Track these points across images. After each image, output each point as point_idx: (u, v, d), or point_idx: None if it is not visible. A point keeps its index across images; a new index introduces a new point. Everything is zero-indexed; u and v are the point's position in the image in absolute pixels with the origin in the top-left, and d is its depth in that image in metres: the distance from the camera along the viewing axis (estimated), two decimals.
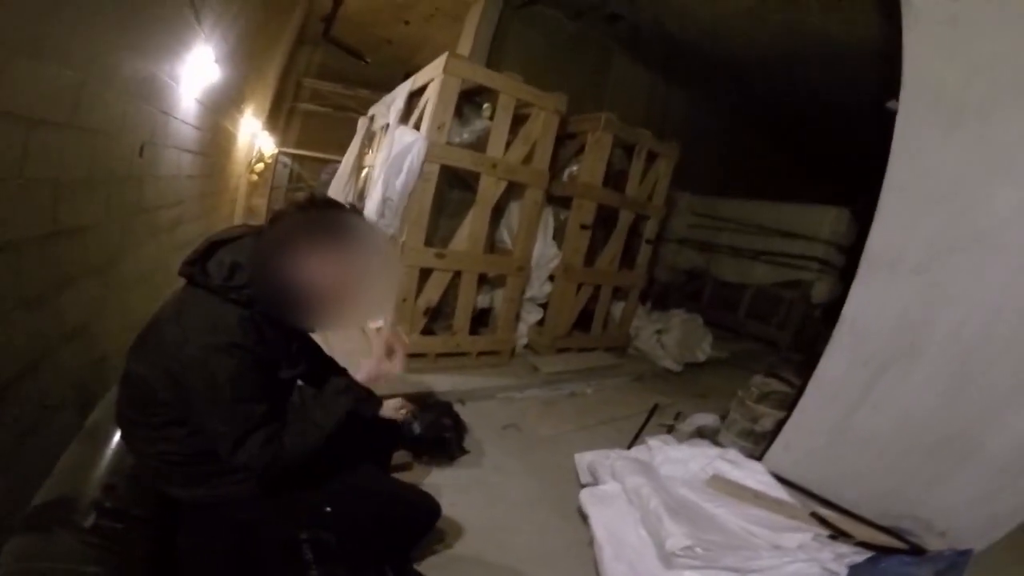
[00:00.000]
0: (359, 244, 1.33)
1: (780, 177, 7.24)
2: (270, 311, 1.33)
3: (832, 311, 5.91)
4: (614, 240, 4.89)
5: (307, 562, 1.39)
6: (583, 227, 4.45)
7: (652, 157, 4.90)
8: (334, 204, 1.43)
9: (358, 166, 5.13)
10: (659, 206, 5.15)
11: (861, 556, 2.01)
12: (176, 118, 3.05)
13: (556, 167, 4.19)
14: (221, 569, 1.39)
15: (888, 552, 2.08)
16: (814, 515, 2.34)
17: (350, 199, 4.72)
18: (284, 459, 1.32)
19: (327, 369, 1.88)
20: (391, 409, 2.02)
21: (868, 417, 2.56)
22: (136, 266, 2.52)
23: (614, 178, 4.65)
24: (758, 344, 6.55)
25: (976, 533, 2.19)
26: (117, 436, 1.48)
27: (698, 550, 1.92)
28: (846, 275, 5.76)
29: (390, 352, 1.68)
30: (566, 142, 4.59)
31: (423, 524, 1.88)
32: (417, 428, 2.09)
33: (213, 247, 1.36)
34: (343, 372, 1.88)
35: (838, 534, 2.18)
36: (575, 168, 4.58)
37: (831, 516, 2.34)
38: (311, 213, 1.35)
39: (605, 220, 4.72)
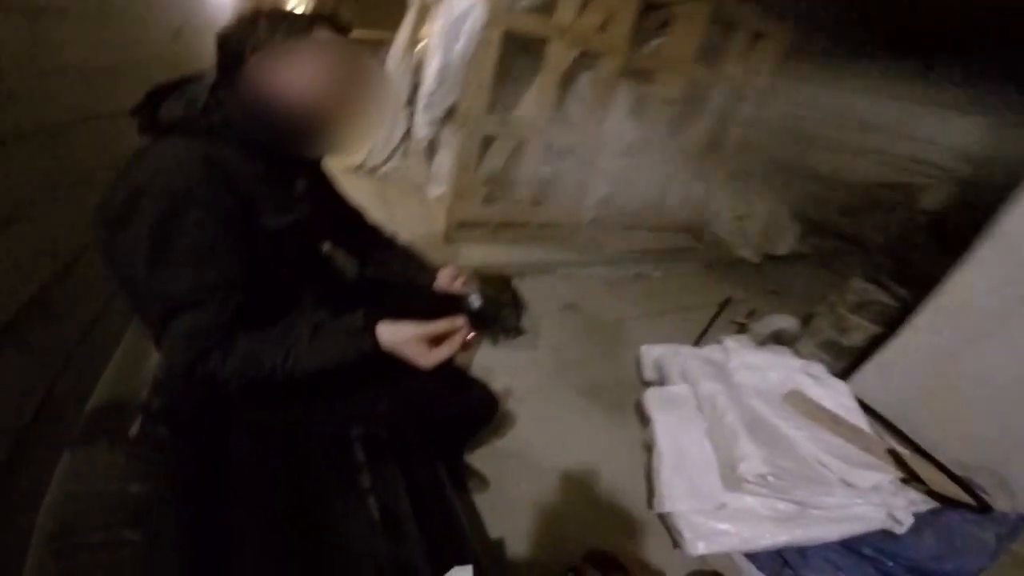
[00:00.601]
0: (320, 41, 1.05)
1: (898, 77, 6.27)
2: (250, 134, 1.04)
3: (941, 222, 5.39)
4: (702, 119, 4.40)
5: (358, 464, 1.22)
6: (667, 102, 3.97)
7: (757, 36, 4.28)
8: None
9: (413, 40, 4.65)
10: (759, 89, 4.57)
11: (929, 505, 1.92)
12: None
13: (637, 38, 3.65)
14: (270, 471, 1.20)
15: (954, 505, 1.95)
16: (891, 452, 2.10)
17: (406, 74, 4.31)
18: (222, 373, 0.97)
19: (357, 229, 1.62)
20: (446, 280, 1.64)
21: (990, 354, 2.19)
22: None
23: (706, 56, 4.07)
24: (847, 244, 5.97)
25: None
26: None
27: (771, 478, 1.73)
28: (971, 185, 5.17)
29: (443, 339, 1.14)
30: (650, 13, 3.92)
31: (480, 422, 1.70)
32: (476, 301, 1.87)
33: (165, 88, 1.05)
34: (381, 240, 1.66)
35: (911, 478, 1.99)
36: (658, 41, 4.00)
37: (908, 457, 2.09)
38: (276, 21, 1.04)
39: (691, 98, 4.22)
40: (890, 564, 1.75)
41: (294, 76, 1.01)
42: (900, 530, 1.79)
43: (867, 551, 1.76)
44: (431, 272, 1.64)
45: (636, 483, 2.01)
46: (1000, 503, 1.99)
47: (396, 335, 1.08)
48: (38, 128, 1.18)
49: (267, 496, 1.14)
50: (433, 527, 1.22)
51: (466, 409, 1.56)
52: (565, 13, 3.15)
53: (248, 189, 1.03)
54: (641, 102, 4.04)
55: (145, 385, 1.23)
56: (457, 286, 1.66)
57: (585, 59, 3.45)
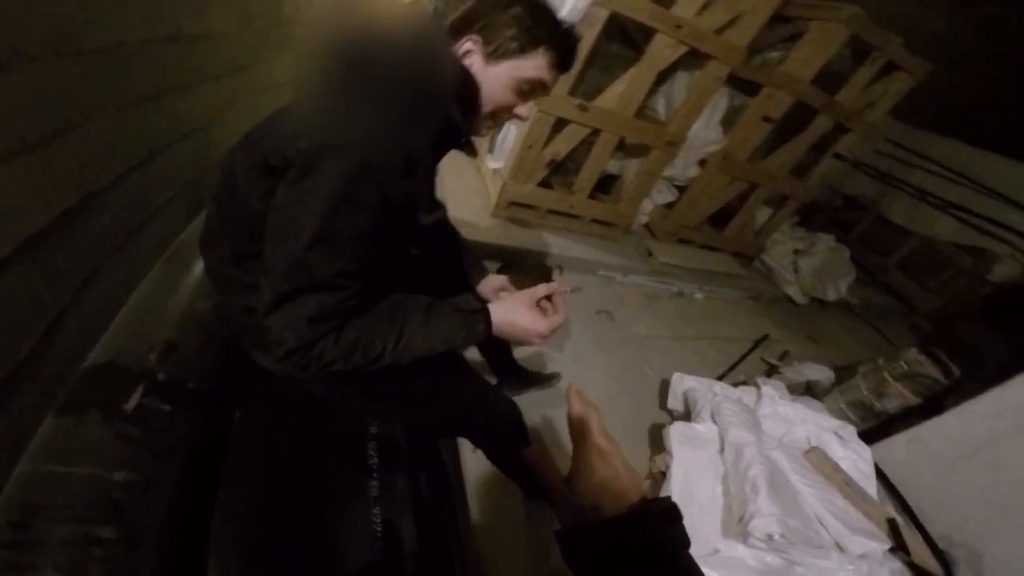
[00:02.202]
0: (562, 53, 1.05)
1: (1015, 136, 5.70)
2: (449, 111, 0.99)
3: (1001, 298, 5.08)
4: (797, 144, 4.11)
5: (370, 467, 1.16)
6: (766, 119, 3.72)
7: (889, 68, 3.92)
8: None
9: None
10: (872, 124, 4.22)
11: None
12: None
13: (751, 47, 3.36)
14: (275, 462, 1.13)
15: None
16: (889, 522, 2.13)
17: None
18: (329, 356, 0.91)
19: (448, 231, 1.59)
20: (490, 290, 1.58)
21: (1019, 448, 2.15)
22: (267, 76, 2.29)
23: (823, 77, 3.76)
24: (892, 299, 5.78)
25: None
26: (199, 269, 1.24)
27: (777, 537, 1.70)
28: None
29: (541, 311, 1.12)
30: (776, 24, 3.64)
31: (501, 438, 1.57)
32: None
33: (377, 39, 1.00)
34: (463, 243, 1.63)
35: (899, 547, 2.08)
36: (775, 54, 3.74)
37: (902, 526, 2.13)
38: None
39: (788, 119, 3.92)
40: None
41: (517, 82, 1.02)
42: None
43: None
44: (479, 272, 1.59)
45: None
46: None
47: (509, 310, 1.06)
48: (89, 47, 1.03)
49: (266, 491, 1.06)
50: (430, 545, 1.17)
51: (490, 422, 1.48)
52: (686, 7, 2.92)
53: (419, 180, 0.99)
54: (735, 114, 3.83)
55: (154, 349, 1.09)
56: (497, 299, 1.64)
57: (689, 59, 3.22)
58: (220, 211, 1.06)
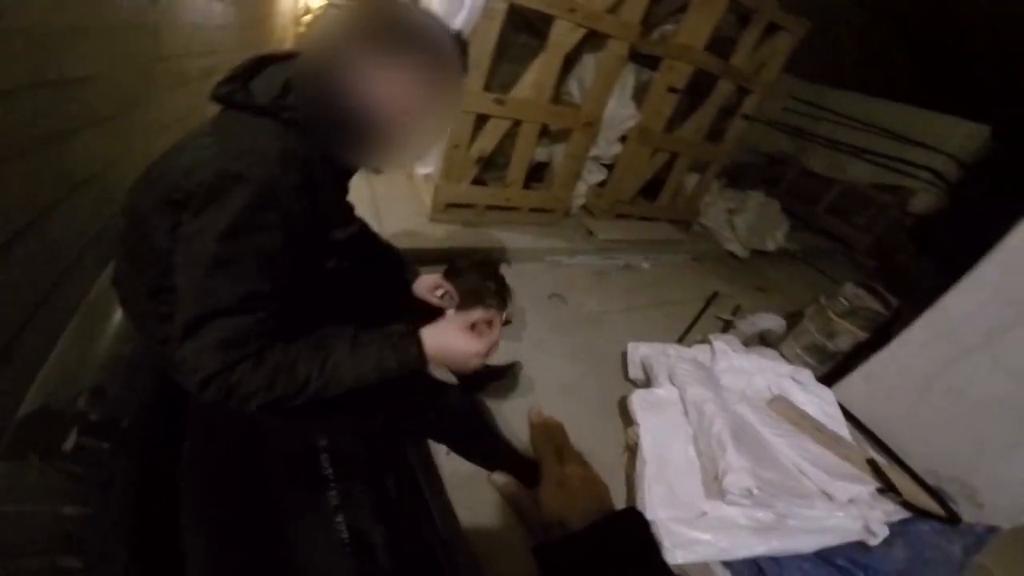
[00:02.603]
0: (440, 51, 0.94)
1: (903, 81, 6.25)
2: (324, 139, 0.93)
3: (925, 227, 5.56)
4: (705, 110, 4.27)
5: (325, 478, 1.15)
6: (671, 90, 3.82)
7: (771, 29, 4.14)
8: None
9: None
10: (768, 83, 4.41)
11: (902, 516, 1.97)
12: None
13: (647, 23, 3.49)
14: (230, 487, 1.11)
15: (925, 515, 2.00)
16: (870, 462, 2.12)
17: None
18: (249, 384, 0.88)
19: (368, 241, 1.53)
20: (426, 288, 1.61)
21: (974, 369, 2.19)
22: (160, 113, 2.23)
23: (718, 44, 3.93)
24: (831, 242, 6.09)
25: (1011, 513, 2.11)
26: (119, 315, 1.21)
27: (755, 491, 1.71)
28: (959, 193, 5.36)
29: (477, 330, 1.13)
30: None
31: (464, 435, 1.56)
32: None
33: (261, 63, 0.97)
34: (389, 249, 1.59)
35: (887, 488, 2.03)
36: (670, 27, 3.85)
37: (885, 466, 2.12)
38: (382, 9, 0.94)
39: (694, 87, 4.08)
40: (860, 575, 1.77)
41: (391, 88, 0.90)
42: (874, 542, 1.82)
43: (840, 562, 1.78)
44: (412, 273, 1.59)
45: (616, 482, 1.97)
46: (967, 514, 2.07)
47: (443, 334, 1.03)
48: None
49: (226, 514, 1.05)
50: (406, 544, 1.15)
51: (445, 418, 1.45)
52: None
53: (323, 196, 0.96)
54: (644, 89, 3.93)
55: (82, 394, 1.09)
56: (435, 298, 1.62)
57: (590, 41, 3.30)
58: (129, 250, 1.04)
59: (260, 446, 1.17)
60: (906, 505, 1.99)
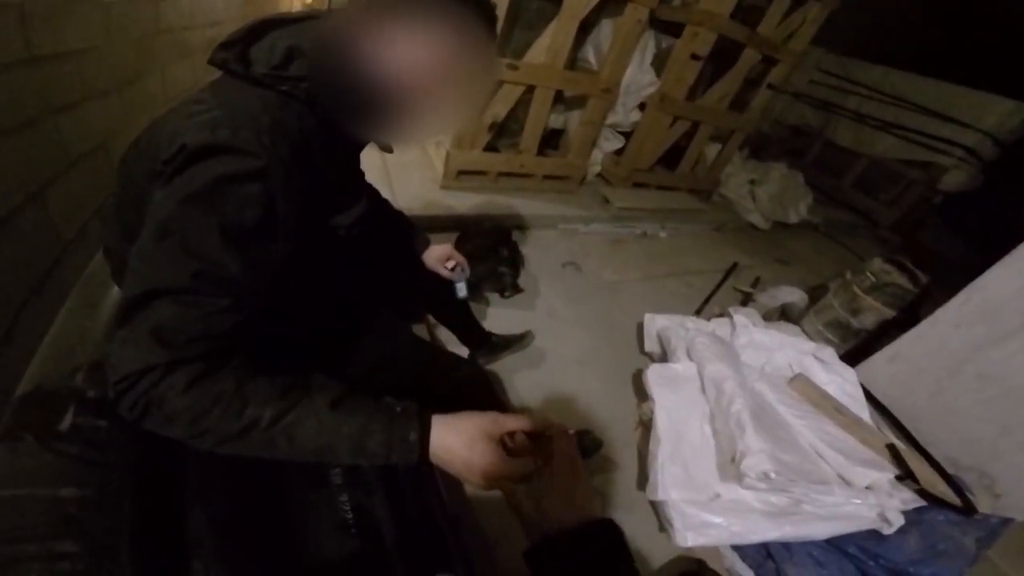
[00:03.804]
0: (467, 19, 0.79)
1: (939, 57, 5.99)
2: (335, 113, 0.81)
3: (955, 205, 5.39)
4: (729, 78, 4.09)
5: (335, 486, 1.06)
6: (694, 57, 3.65)
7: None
8: None
9: None
10: (796, 53, 4.22)
11: (917, 504, 1.88)
12: None
13: None
14: (233, 466, 0.96)
15: (941, 505, 1.91)
16: (889, 447, 2.03)
17: None
18: (174, 403, 0.67)
19: (377, 207, 1.41)
20: (435, 259, 1.51)
21: (1009, 355, 2.06)
22: (162, 86, 2.21)
23: (744, 12, 3.77)
24: (855, 217, 5.92)
25: None
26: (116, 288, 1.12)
27: (772, 475, 1.63)
28: (994, 172, 5.18)
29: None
30: None
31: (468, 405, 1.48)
32: (462, 291, 1.61)
33: (263, 26, 0.85)
34: (399, 217, 1.48)
35: (905, 475, 1.95)
36: None
37: (904, 452, 2.03)
38: None
39: (718, 55, 3.91)
40: (871, 564, 1.71)
41: (410, 60, 0.76)
42: (888, 530, 1.74)
43: (851, 550, 1.72)
44: (422, 242, 1.49)
45: (628, 457, 1.93)
46: (983, 504, 1.97)
47: (460, 431, 0.76)
48: None
49: (229, 494, 0.98)
50: (412, 523, 1.09)
51: (452, 392, 1.34)
52: None
53: (324, 175, 0.85)
54: (665, 56, 3.76)
55: (80, 370, 0.99)
56: (445, 269, 1.53)
57: (608, 5, 3.15)
58: (120, 220, 0.94)
59: None
60: (922, 493, 1.91)
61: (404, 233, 1.50)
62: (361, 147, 1.02)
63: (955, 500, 1.91)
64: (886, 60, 5.90)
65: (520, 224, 3.24)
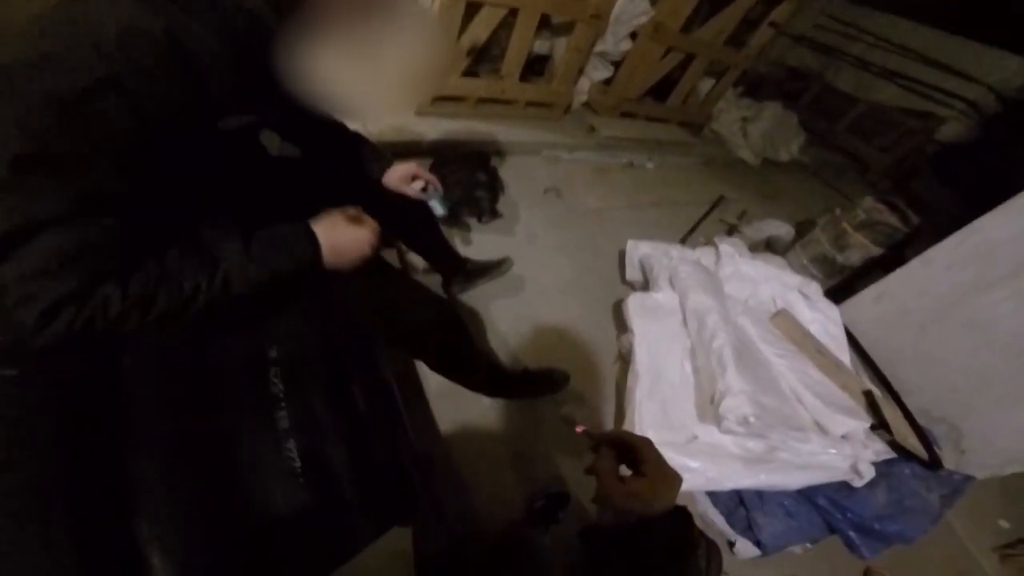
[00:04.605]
0: None
1: (952, 10, 5.84)
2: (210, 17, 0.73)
3: (948, 156, 5.33)
4: (728, 13, 3.85)
5: (274, 396, 0.98)
6: None
7: None
8: None
9: None
10: None
11: (888, 456, 1.84)
12: None
13: None
14: (171, 408, 0.94)
15: (908, 457, 1.88)
16: (867, 395, 1.98)
17: None
18: (119, 305, 0.74)
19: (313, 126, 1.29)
20: (398, 179, 1.39)
21: (996, 304, 2.00)
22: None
23: None
24: (846, 159, 5.88)
25: (990, 463, 2.06)
26: None
27: (751, 419, 1.56)
28: (993, 126, 5.10)
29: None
30: None
31: (436, 341, 1.35)
32: (439, 209, 1.50)
33: None
34: (322, 120, 1.32)
35: (879, 425, 1.90)
36: None
37: (880, 400, 1.98)
38: None
39: None
40: (839, 517, 1.71)
41: None
42: (859, 483, 1.72)
43: (821, 502, 1.71)
44: (382, 164, 1.38)
45: (607, 391, 1.89)
46: (948, 459, 1.96)
47: (331, 226, 0.98)
48: None
49: (173, 445, 0.88)
50: (373, 467, 1.01)
51: (421, 329, 1.28)
52: None
53: (209, 80, 0.76)
54: None
55: None
56: (414, 189, 1.42)
57: None
58: None
59: (207, 361, 0.99)
60: (893, 445, 1.88)
61: (356, 156, 1.37)
62: (264, 55, 0.85)
63: (923, 454, 1.87)
64: (894, 9, 5.73)
65: (500, 150, 3.07)
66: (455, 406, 1.62)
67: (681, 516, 0.67)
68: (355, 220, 1.02)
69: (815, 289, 2.30)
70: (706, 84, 4.45)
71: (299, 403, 0.98)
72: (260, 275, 0.87)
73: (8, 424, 0.78)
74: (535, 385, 1.73)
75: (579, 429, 0.76)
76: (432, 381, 1.61)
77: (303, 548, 0.88)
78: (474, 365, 1.47)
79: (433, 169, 2.29)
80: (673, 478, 0.68)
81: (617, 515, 0.67)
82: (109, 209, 0.71)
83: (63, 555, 0.72)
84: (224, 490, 0.88)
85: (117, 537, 0.78)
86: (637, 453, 0.70)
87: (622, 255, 2.43)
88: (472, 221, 2.36)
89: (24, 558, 0.70)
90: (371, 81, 0.88)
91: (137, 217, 0.75)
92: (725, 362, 1.67)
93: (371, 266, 1.11)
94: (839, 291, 2.57)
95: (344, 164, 1.36)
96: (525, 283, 2.14)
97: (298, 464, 0.92)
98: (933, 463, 1.84)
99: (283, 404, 0.97)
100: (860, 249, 2.65)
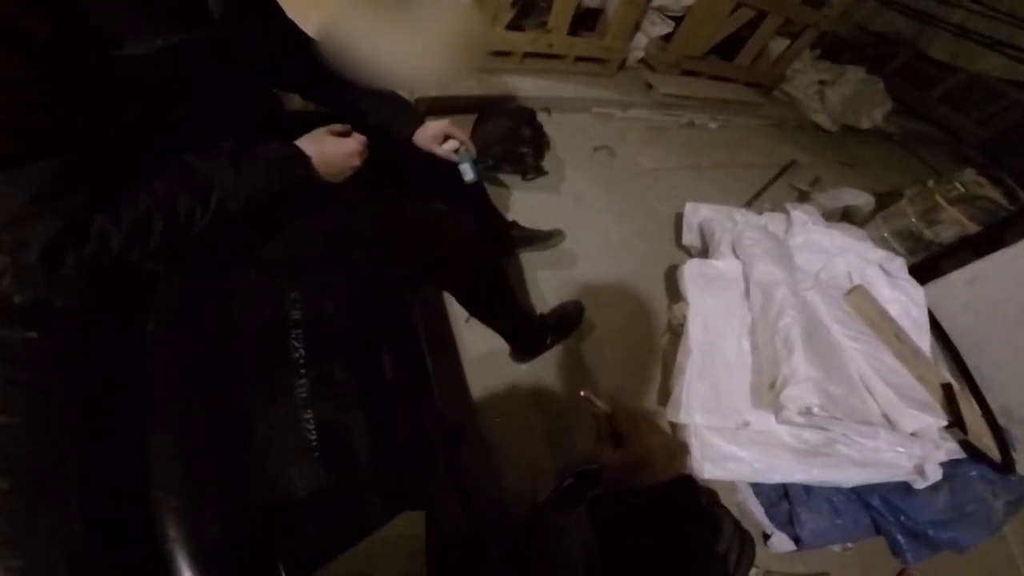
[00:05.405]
0: None
1: None
2: None
3: None
4: None
5: (294, 362, 0.93)
6: None
7: None
8: None
9: None
10: None
11: (957, 455, 1.64)
12: None
13: None
14: (187, 372, 0.91)
15: (979, 459, 1.66)
16: (945, 389, 1.72)
17: None
18: (119, 237, 0.73)
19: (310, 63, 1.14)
20: (429, 137, 1.29)
21: None
22: None
23: None
24: (937, 130, 5.42)
25: None
26: None
27: (816, 411, 1.35)
28: None
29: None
30: None
31: (476, 272, 1.31)
32: (471, 173, 1.41)
33: None
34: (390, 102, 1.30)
35: (954, 423, 1.65)
36: None
37: (959, 394, 1.72)
38: None
39: None
40: (890, 519, 1.53)
41: None
42: (921, 485, 1.52)
43: (875, 502, 1.54)
44: (411, 121, 1.29)
45: (653, 366, 1.73)
46: (1021, 464, 1.74)
47: (317, 141, 0.98)
48: None
49: (191, 416, 0.87)
50: (396, 442, 0.95)
51: (457, 256, 1.22)
52: None
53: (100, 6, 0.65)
54: None
55: (4, 273, 0.85)
56: (446, 150, 1.32)
57: None
58: None
59: (230, 326, 0.97)
60: (965, 445, 1.66)
61: (392, 106, 1.29)
62: None
63: (996, 455, 1.64)
64: None
65: (547, 106, 2.86)
66: (491, 373, 1.53)
67: (675, 490, 0.62)
68: (341, 134, 1.03)
69: (899, 265, 2.01)
70: (779, 44, 4.09)
71: (320, 369, 0.94)
72: (255, 191, 0.87)
73: (25, 388, 0.77)
74: (563, 322, 1.66)
75: (582, 393, 0.73)
76: (468, 345, 1.55)
77: (314, 526, 0.84)
78: (509, 302, 1.44)
79: (476, 126, 2.18)
80: (659, 452, 0.64)
81: (606, 484, 0.66)
82: (57, 146, 0.67)
83: (75, 521, 0.71)
84: (239, 462, 0.86)
85: (131, 505, 0.77)
86: (619, 426, 0.68)
87: (678, 218, 2.22)
88: (515, 178, 2.19)
89: (35, 524, 0.70)
90: (411, 50, 0.72)
91: (106, 149, 0.73)
92: (792, 343, 1.45)
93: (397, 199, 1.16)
94: (921, 269, 2.26)
95: (369, 121, 1.24)
96: (570, 244, 1.97)
97: (314, 437, 0.88)
98: (1006, 466, 1.63)
99: (303, 372, 0.92)
100: (953, 225, 2.35)
